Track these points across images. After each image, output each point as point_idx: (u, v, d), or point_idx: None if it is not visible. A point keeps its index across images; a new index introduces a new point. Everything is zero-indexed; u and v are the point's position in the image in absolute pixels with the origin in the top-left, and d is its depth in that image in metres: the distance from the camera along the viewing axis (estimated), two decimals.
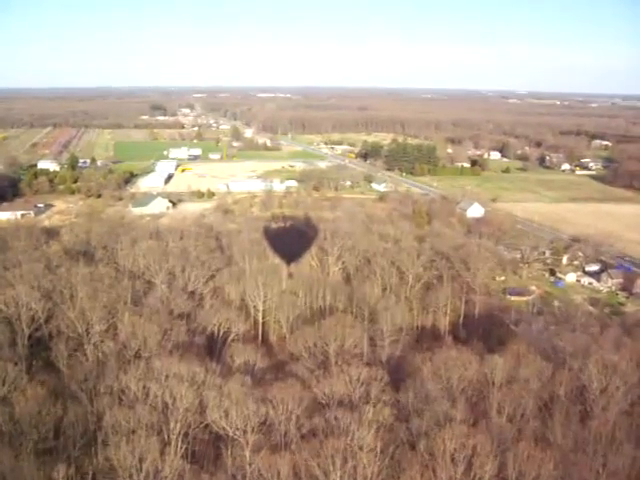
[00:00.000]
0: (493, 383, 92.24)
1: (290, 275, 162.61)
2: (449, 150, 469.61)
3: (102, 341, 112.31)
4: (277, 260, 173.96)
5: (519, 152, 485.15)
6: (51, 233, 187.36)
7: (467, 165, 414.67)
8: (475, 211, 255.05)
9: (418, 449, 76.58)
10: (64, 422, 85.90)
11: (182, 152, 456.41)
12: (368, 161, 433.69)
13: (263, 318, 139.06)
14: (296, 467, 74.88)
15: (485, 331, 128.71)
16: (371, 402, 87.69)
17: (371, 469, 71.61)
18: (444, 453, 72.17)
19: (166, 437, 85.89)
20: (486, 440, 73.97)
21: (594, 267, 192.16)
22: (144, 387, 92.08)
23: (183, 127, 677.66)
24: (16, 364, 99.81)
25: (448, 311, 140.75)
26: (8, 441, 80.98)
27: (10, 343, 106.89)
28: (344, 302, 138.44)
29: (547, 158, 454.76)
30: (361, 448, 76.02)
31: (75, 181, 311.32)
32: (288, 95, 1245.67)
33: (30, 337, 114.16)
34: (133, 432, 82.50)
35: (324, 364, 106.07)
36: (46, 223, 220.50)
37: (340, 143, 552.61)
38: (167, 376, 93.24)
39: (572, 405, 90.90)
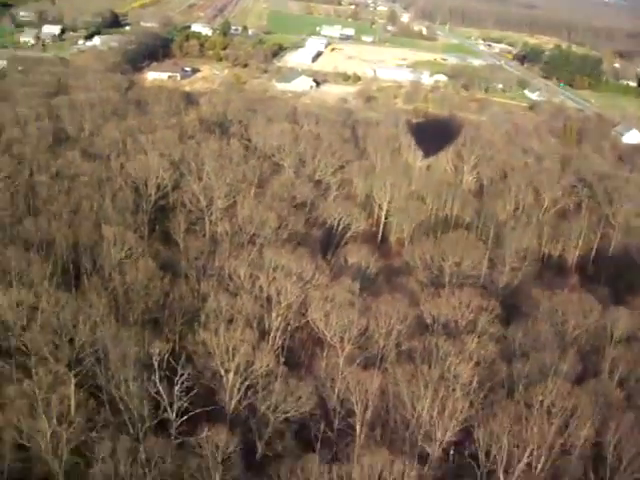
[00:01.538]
0: (612, 338, 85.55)
1: (421, 177, 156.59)
2: (616, 64, 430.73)
3: (221, 219, 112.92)
4: (410, 159, 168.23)
5: None
6: (191, 100, 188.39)
7: (633, 84, 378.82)
8: (633, 138, 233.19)
9: (515, 395, 72.63)
10: (169, 297, 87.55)
11: (334, 30, 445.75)
12: (525, 65, 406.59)
13: (385, 219, 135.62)
14: (385, 387, 73.07)
15: (616, 273, 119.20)
16: (476, 333, 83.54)
17: (461, 405, 68.47)
18: (541, 406, 67.91)
19: (266, 328, 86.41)
20: (589, 403, 68.79)
21: None
22: (251, 275, 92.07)
23: (340, 4, 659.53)
24: (135, 231, 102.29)
25: (580, 244, 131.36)
26: (115, 308, 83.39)
27: (133, 210, 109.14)
28: (471, 215, 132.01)
29: None
30: (456, 380, 72.95)
31: (224, 48, 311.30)
32: None
33: (154, 205, 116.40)
34: (232, 320, 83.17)
35: (437, 281, 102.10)
36: (188, 89, 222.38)
37: (499, 41, 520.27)
38: (276, 268, 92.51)
39: None
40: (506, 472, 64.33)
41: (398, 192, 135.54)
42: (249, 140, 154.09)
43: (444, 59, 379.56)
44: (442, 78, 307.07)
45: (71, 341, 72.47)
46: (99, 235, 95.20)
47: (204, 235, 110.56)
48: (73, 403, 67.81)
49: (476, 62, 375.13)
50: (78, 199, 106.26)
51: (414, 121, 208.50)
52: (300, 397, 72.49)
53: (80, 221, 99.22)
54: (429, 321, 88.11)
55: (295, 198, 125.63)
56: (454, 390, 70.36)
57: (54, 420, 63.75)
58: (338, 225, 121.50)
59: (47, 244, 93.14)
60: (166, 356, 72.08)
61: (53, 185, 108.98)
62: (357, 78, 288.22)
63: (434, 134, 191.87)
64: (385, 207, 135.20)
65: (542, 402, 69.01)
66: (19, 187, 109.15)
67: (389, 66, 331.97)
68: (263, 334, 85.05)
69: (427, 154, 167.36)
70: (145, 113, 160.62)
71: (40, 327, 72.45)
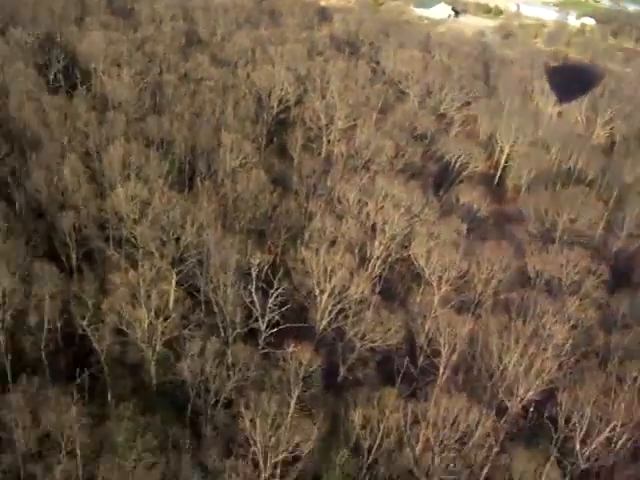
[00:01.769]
0: None
1: (549, 124, 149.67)
2: None
3: (338, 140, 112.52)
4: (541, 104, 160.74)
5: None
6: (325, 16, 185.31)
7: None
8: None
9: (608, 366, 70.33)
10: (277, 211, 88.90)
11: None
12: None
13: (505, 163, 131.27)
14: (475, 334, 72.31)
15: None
16: (579, 295, 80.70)
17: (550, 365, 66.96)
18: (634, 382, 65.47)
19: (367, 255, 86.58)
20: None
21: None
22: (359, 201, 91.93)
23: None
24: (253, 141, 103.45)
25: None
26: (223, 214, 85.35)
27: (254, 120, 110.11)
28: (595, 172, 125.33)
29: None
30: (549, 340, 71.14)
31: None
32: None
33: (274, 118, 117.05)
34: (334, 242, 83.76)
35: (548, 235, 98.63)
36: (323, 3, 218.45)
37: None
38: (386, 197, 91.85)
39: None
40: (583, 442, 63.00)
41: (523, 137, 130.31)
42: (377, 63, 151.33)
43: (596, 1, 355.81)
44: (590, 21, 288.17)
45: (177, 240, 75.21)
46: (217, 141, 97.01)
47: (319, 154, 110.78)
48: (172, 299, 70.80)
49: (631, 7, 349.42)
50: (202, 103, 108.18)
51: (552, 64, 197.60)
52: (389, 329, 73.02)
53: (201, 125, 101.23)
54: (532, 275, 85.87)
55: (416, 129, 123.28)
56: (545, 349, 68.65)
57: (152, 312, 67.04)
58: (455, 162, 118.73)
59: (167, 143, 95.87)
60: (265, 268, 73.83)
61: (180, 86, 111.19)
62: (499, 12, 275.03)
63: (571, 81, 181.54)
64: (506, 151, 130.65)
65: (636, 379, 66.56)
66: (147, 85, 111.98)
67: (534, 2, 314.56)
68: (363, 261, 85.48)
69: (560, 101, 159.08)
70: (277, 24, 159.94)
71: (150, 222, 75.31)
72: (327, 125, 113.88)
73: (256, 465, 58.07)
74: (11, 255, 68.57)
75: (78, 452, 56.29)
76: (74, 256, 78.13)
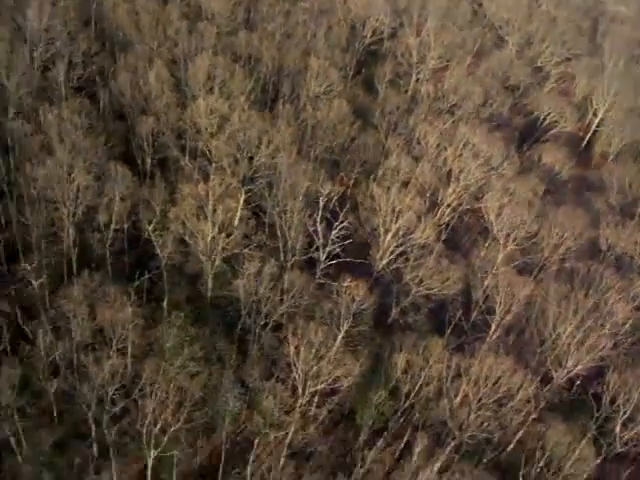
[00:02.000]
0: None
1: None
2: None
3: (427, 80, 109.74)
4: None
5: None
6: None
7: None
8: None
9: None
10: (354, 143, 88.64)
11: None
12: None
13: (597, 127, 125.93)
14: (534, 299, 71.25)
15: None
16: None
17: (605, 342, 65.71)
18: None
19: (437, 201, 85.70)
20: None
21: None
22: (439, 145, 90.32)
23: None
24: (341, 70, 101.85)
25: None
26: (300, 140, 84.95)
27: (344, 47, 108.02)
28: None
29: None
30: (609, 317, 69.45)
31: None
32: None
33: (365, 48, 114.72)
34: (407, 184, 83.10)
35: (628, 210, 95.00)
36: None
37: None
38: (466, 144, 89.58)
39: None
40: (624, 425, 62.05)
41: (620, 102, 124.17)
42: (480, 5, 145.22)
43: None
44: None
45: (250, 159, 75.32)
46: (305, 65, 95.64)
47: (406, 92, 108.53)
48: (237, 217, 71.54)
49: None
50: (294, 24, 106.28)
51: None
52: (448, 278, 72.53)
53: (290, 46, 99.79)
54: (603, 248, 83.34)
55: (509, 79, 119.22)
56: (603, 325, 67.27)
57: (216, 227, 67.86)
58: (544, 119, 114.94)
59: (254, 61, 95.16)
60: (334, 199, 73.78)
61: (275, 4, 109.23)
62: None
63: None
64: (600, 115, 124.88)
65: None
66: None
67: None
68: (432, 206, 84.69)
69: None
70: None
71: (226, 138, 75.39)
72: (418, 63, 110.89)
73: (294, 391, 59.30)
74: (89, 153, 69.99)
75: (129, 350, 58.56)
76: (149, 161, 79.39)
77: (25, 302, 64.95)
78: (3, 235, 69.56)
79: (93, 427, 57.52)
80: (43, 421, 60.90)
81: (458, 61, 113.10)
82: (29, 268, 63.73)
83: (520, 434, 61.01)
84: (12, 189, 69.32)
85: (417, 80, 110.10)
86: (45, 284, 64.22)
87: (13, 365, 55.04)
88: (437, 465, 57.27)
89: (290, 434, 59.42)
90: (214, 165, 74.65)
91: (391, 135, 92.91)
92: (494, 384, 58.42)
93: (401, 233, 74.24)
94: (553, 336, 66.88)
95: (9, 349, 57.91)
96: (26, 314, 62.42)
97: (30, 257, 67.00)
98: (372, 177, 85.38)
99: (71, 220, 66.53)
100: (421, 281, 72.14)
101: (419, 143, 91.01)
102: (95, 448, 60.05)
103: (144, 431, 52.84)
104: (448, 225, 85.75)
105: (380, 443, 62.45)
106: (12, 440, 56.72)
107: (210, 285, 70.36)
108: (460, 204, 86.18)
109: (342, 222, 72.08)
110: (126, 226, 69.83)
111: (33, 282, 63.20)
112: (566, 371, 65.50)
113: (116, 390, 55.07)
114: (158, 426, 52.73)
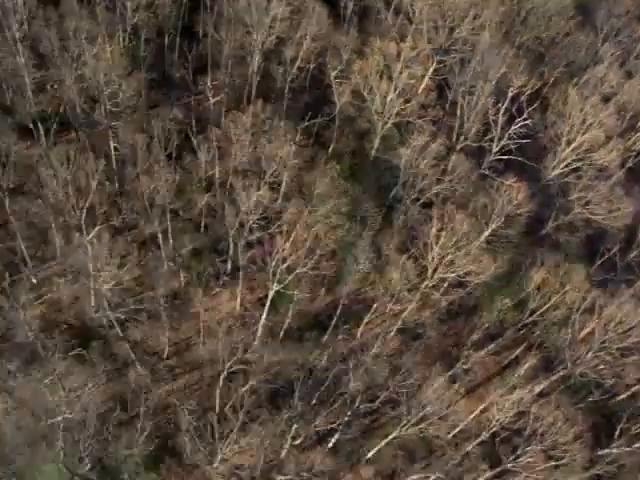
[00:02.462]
0: None
1: None
2: None
3: None
4: None
5: None
6: None
7: None
8: None
9: None
10: (565, 40, 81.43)
11: None
12: None
13: None
14: None
15: None
16: None
17: None
18: None
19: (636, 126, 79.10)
20: None
21: None
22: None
23: None
24: None
25: None
26: (509, 24, 79.64)
27: None
28: None
29: None
30: None
31: None
32: None
33: None
34: (607, 100, 76.48)
35: None
36: None
37: None
38: None
39: None
40: None
41: None
42: None
43: None
44: None
45: (451, 30, 71.46)
46: None
47: None
48: (422, 85, 69.59)
49: None
50: None
51: None
52: (618, 209, 67.90)
53: None
54: None
55: None
56: None
57: (397, 90, 66.64)
58: None
59: None
60: (526, 93, 69.24)
61: None
62: None
63: None
64: None
65: None
66: None
67: None
68: (628, 129, 78.01)
69: None
70: None
71: (431, 3, 71.28)
72: None
73: (422, 272, 59.14)
74: None
75: (282, 186, 60.21)
76: (350, 7, 77.64)
77: (200, 116, 67.87)
78: (197, 47, 71.62)
79: (232, 246, 60.96)
80: (189, 228, 65.36)
81: None
82: (210, 85, 65.88)
83: (636, 388, 58.52)
84: (214, 5, 70.22)
85: None
86: (222, 103, 66.42)
87: (173, 171, 58.59)
88: (538, 388, 56.55)
89: (407, 311, 60.17)
90: (413, 26, 71.80)
91: (610, 40, 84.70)
92: (625, 332, 55.52)
93: (583, 148, 69.33)
94: None
95: (174, 155, 61.29)
96: (198, 126, 65.35)
97: (216, 74, 69.03)
98: (574, 81, 79.21)
99: (260, 48, 67.17)
100: (587, 203, 68.14)
101: (638, 58, 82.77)
102: (229, 265, 64.16)
103: (272, 264, 55.30)
104: (638, 155, 79.16)
105: (491, 347, 62.23)
106: (160, 236, 61.41)
107: (376, 145, 70.17)
108: None
109: (525, 119, 68.36)
110: (311, 66, 69.86)
111: (210, 98, 65.51)
112: None
113: (257, 220, 57.54)
114: (285, 264, 54.97)
